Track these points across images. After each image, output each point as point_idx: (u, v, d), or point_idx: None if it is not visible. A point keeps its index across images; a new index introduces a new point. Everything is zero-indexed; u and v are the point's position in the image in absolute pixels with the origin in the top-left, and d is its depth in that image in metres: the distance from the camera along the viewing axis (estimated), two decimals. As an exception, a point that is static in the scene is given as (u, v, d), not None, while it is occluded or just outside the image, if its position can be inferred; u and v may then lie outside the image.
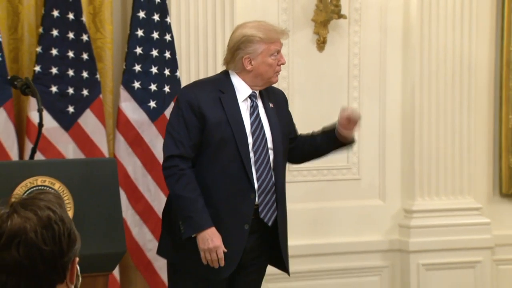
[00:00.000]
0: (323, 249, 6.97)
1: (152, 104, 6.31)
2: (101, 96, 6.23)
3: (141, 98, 6.30)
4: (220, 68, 6.49)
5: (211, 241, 4.49)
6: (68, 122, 6.10)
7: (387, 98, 7.09)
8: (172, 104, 6.32)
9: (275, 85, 5.15)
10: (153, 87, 6.32)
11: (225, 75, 4.82)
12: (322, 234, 7.01)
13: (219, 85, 4.76)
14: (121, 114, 6.30)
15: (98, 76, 6.20)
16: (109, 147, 6.29)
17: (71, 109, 6.11)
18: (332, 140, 5.04)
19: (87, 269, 4.42)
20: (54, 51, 6.03)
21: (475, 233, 7.18)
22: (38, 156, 4.99)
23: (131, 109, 6.30)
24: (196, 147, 4.62)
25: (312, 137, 5.15)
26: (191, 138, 4.61)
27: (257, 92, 4.79)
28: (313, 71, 6.95)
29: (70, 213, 4.43)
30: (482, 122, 7.28)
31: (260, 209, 4.66)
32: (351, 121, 4.94)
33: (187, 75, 6.47)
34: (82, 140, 6.13)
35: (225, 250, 4.52)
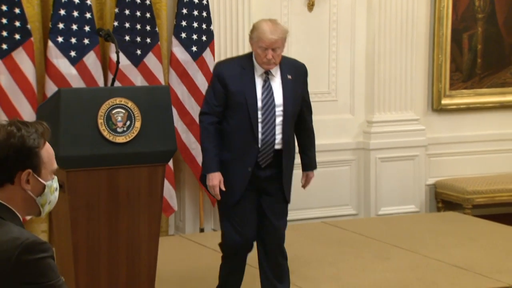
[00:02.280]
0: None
1: (194, 48, 6.36)
2: (159, 43, 6.26)
3: (186, 44, 6.33)
4: (242, 24, 6.59)
5: (210, 181, 4.43)
6: (137, 61, 6.14)
7: (355, 44, 7.08)
8: (208, 49, 6.39)
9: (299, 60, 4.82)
10: (194, 36, 6.36)
11: (250, 53, 4.55)
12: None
13: (242, 63, 4.52)
14: (173, 56, 6.35)
15: (157, 29, 6.24)
16: (164, 78, 6.33)
17: (138, 52, 6.15)
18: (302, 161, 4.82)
19: (151, 161, 4.55)
20: (127, 11, 6.08)
21: (414, 136, 7.22)
22: (117, 84, 5.00)
23: (179, 52, 6.35)
24: (221, 107, 4.46)
25: (300, 146, 4.80)
26: (217, 100, 4.45)
27: (272, 69, 4.48)
28: (304, 26, 6.93)
29: (138, 124, 4.43)
30: (420, 60, 7.25)
31: (259, 156, 4.45)
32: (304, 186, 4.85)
33: (218, 28, 6.51)
34: (146, 73, 6.18)
35: (222, 188, 4.43)
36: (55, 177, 2.21)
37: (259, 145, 4.42)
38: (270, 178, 4.52)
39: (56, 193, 2.23)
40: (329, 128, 7.05)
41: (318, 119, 7.01)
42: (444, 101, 7.35)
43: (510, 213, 7.28)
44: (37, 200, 2.15)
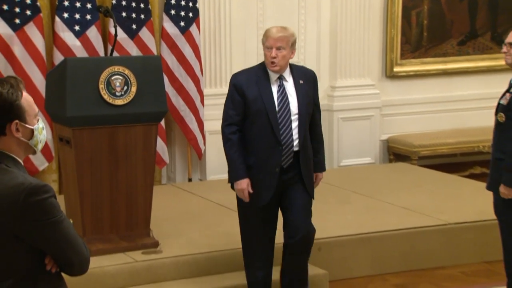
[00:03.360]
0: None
1: (182, 23, 6.27)
2: (151, 19, 6.17)
3: (175, 20, 6.25)
4: (223, 1, 6.52)
5: (239, 185, 4.01)
6: (132, 34, 6.06)
7: (321, 20, 7.01)
8: (194, 24, 6.31)
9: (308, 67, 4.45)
10: (182, 13, 6.28)
11: (263, 64, 4.10)
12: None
13: (257, 72, 4.08)
14: (164, 30, 6.27)
15: (149, 6, 6.16)
16: (156, 49, 6.25)
17: (134, 26, 6.06)
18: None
19: (145, 120, 4.52)
20: (124, -10, 6.00)
21: (370, 99, 7.19)
22: (115, 54, 4.94)
23: (169, 26, 6.26)
24: (241, 116, 4.02)
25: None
26: (236, 110, 4.02)
27: (285, 75, 4.05)
28: (277, 4, 6.85)
29: (134, 88, 4.41)
30: (376, 33, 7.20)
31: (283, 158, 4.01)
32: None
33: (202, 6, 6.42)
34: (141, 45, 6.10)
35: (250, 191, 4.01)
36: (40, 119, 2.18)
37: (282, 147, 4.01)
38: (292, 179, 4.10)
39: (44, 131, 2.20)
40: (298, 92, 7.02)
41: (289, 85, 7.07)
42: (396, 69, 7.33)
43: (450, 163, 7.34)
44: (30, 142, 2.14)
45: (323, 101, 7.05)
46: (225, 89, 6.57)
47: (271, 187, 4.03)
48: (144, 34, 6.09)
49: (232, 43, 6.65)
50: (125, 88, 4.40)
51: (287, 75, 4.06)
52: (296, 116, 4.02)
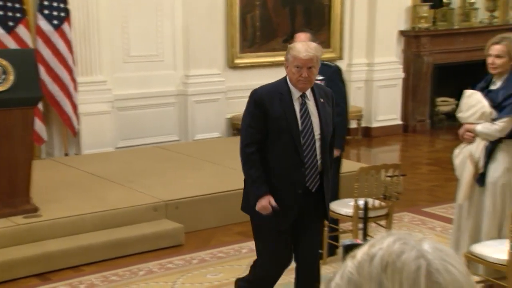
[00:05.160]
0: (148, 95, 6.90)
1: (55, 22, 5.98)
2: (27, 17, 5.84)
3: (48, 18, 5.95)
4: (91, 2, 6.27)
5: (260, 202, 3.15)
6: (9, 30, 5.71)
7: (175, 19, 6.91)
8: (65, 22, 6.04)
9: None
10: (54, 13, 5.99)
11: (285, 79, 3.23)
12: (148, 87, 6.93)
13: (279, 88, 3.21)
14: (38, 27, 5.96)
15: (24, 6, 5.85)
16: (33, 43, 5.91)
17: (11, 23, 5.72)
18: None
19: (23, 104, 4.30)
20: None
21: (217, 85, 7.18)
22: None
23: (44, 24, 5.96)
24: (262, 134, 3.17)
25: None
26: (257, 127, 3.17)
27: (307, 93, 3.21)
28: (139, 6, 6.67)
29: (11, 77, 4.19)
30: (220, 32, 7.21)
31: (306, 179, 3.19)
32: None
33: (73, 6, 6.12)
34: (18, 40, 5.76)
35: (273, 204, 3.16)
36: None
37: (305, 168, 3.19)
38: (313, 203, 3.26)
39: None
40: (158, 80, 6.94)
41: (151, 74, 6.94)
42: (236, 61, 7.38)
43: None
44: None
45: (179, 87, 7.09)
46: (95, 77, 6.48)
47: (293, 210, 3.20)
48: (20, 30, 5.75)
49: (101, 39, 6.44)
50: (3, 76, 4.18)
51: (309, 93, 3.24)
52: (319, 136, 3.23)
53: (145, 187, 5.21)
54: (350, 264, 0.82)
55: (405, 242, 0.81)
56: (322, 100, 3.25)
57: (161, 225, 4.72)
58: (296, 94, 3.20)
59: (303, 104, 3.21)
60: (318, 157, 3.21)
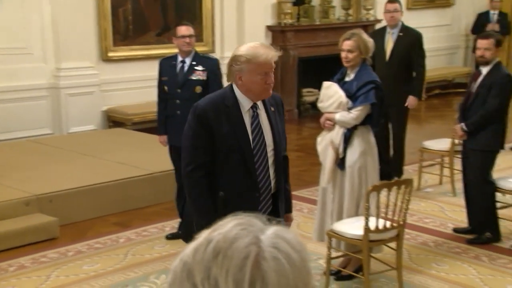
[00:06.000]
0: (17, 88, 6.51)
1: None
2: None
3: None
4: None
5: None
6: None
7: (43, 11, 6.62)
8: None
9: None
10: None
11: (230, 89, 2.71)
12: (17, 80, 6.54)
13: (225, 99, 2.68)
14: None
15: None
16: None
17: None
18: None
19: None
20: None
21: (91, 78, 6.99)
22: None
23: None
24: (209, 154, 2.65)
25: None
26: (203, 149, 2.65)
27: (258, 102, 2.72)
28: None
29: None
30: (91, 25, 7.00)
31: (260, 206, 2.72)
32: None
33: None
34: None
35: None
36: None
37: (260, 193, 2.72)
38: None
39: None
40: (28, 73, 6.64)
41: (20, 67, 6.57)
42: (110, 54, 7.22)
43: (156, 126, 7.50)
44: None
45: (50, 80, 6.77)
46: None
47: None
48: None
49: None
50: None
51: (259, 102, 2.74)
52: (272, 153, 2.75)
53: (16, 181, 4.96)
54: (191, 246, 0.78)
55: (245, 228, 0.77)
56: (272, 108, 2.77)
57: (33, 219, 4.56)
58: (246, 105, 2.70)
59: (254, 117, 2.72)
60: (272, 176, 2.75)
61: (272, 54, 2.63)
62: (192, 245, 0.78)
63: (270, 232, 0.77)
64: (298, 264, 0.75)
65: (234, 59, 2.64)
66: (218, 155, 2.67)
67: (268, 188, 2.74)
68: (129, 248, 4.37)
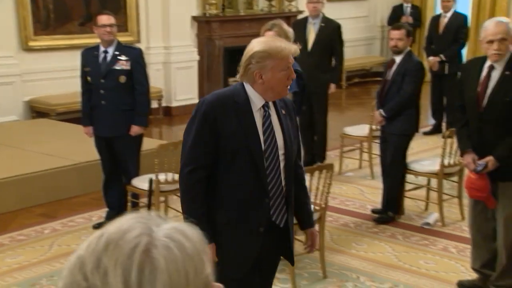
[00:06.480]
0: None
1: None
2: None
3: None
4: None
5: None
6: None
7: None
8: None
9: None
10: None
11: (241, 86, 2.41)
12: None
13: (235, 96, 2.38)
14: None
15: None
16: None
17: None
18: (299, 217, 2.64)
19: None
20: None
21: (11, 68, 6.72)
22: None
23: None
24: (212, 157, 2.36)
25: (299, 200, 2.59)
26: (206, 149, 2.36)
27: (270, 102, 2.43)
28: None
29: None
30: (9, 14, 6.74)
31: (271, 212, 2.43)
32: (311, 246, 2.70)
33: None
34: None
35: (215, 259, 2.35)
36: None
37: (269, 197, 2.42)
38: (275, 242, 2.51)
39: None
40: None
41: None
42: (31, 43, 6.98)
43: (79, 117, 7.29)
44: None
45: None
46: None
47: (252, 252, 2.44)
48: None
49: None
50: None
51: (270, 103, 2.46)
52: (283, 157, 2.45)
53: None
54: (86, 240, 0.77)
55: (141, 221, 0.76)
56: (283, 111, 2.48)
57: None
58: (258, 103, 2.40)
59: (266, 117, 2.42)
60: (284, 183, 2.46)
61: (295, 48, 2.39)
62: (88, 239, 0.78)
63: (168, 226, 0.77)
64: (190, 252, 0.75)
65: (252, 57, 2.36)
66: (223, 155, 2.37)
67: (280, 195, 2.44)
68: (55, 239, 4.26)
